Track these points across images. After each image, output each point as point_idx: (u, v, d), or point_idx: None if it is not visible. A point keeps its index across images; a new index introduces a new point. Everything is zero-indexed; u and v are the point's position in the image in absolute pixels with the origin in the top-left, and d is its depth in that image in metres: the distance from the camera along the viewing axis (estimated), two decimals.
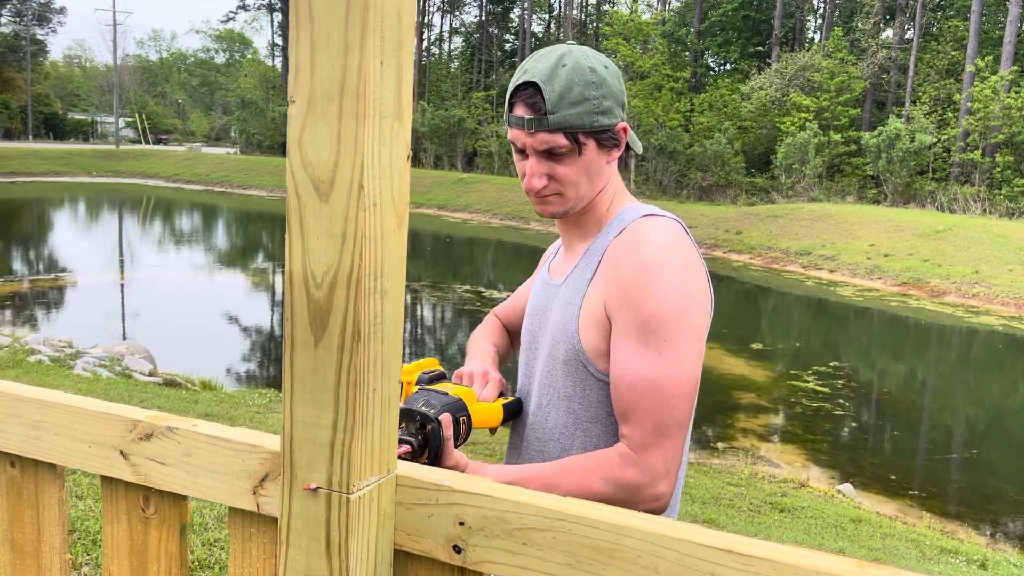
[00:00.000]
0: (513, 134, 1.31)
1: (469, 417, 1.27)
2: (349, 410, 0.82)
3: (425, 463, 1.16)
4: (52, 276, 16.41)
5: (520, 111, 1.29)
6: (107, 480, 1.07)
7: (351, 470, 0.82)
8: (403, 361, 1.40)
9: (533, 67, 1.29)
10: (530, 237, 26.03)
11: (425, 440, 1.17)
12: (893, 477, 7.79)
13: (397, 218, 0.84)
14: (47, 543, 1.15)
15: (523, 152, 1.32)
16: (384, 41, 0.78)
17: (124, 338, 11.02)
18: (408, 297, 16.19)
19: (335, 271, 0.80)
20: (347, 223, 0.79)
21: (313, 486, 0.84)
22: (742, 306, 18.07)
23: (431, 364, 1.39)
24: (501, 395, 1.40)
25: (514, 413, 1.40)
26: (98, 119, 67.18)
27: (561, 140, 1.27)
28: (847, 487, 7.07)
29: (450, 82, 48.90)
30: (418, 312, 15.27)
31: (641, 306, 1.22)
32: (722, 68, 43.50)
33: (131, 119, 63.75)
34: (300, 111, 0.80)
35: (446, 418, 1.19)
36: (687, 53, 39.78)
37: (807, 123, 29.15)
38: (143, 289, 15.89)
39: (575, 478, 1.22)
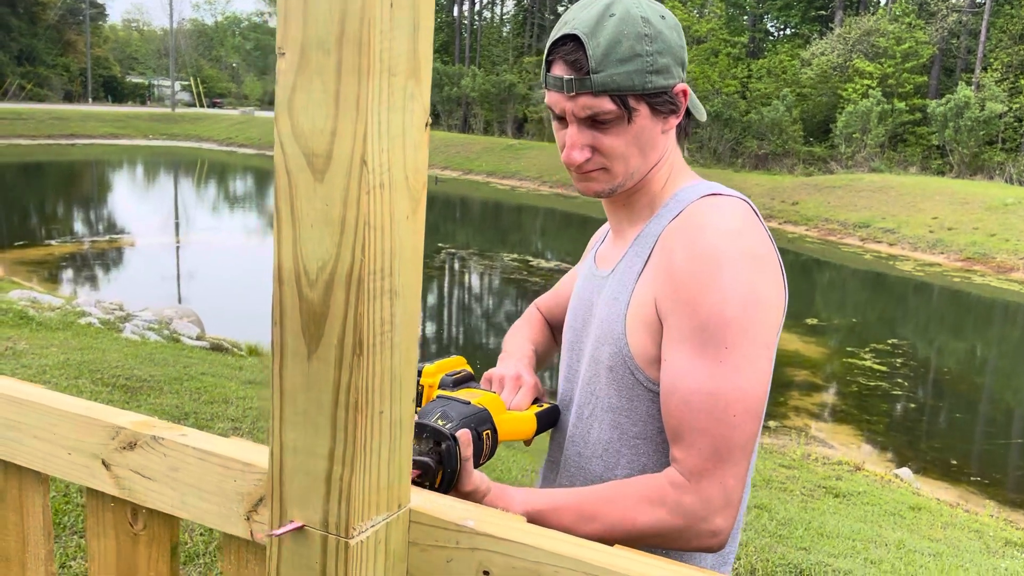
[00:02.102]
0: (551, 98, 1.10)
1: (495, 430, 1.08)
2: (349, 437, 0.67)
3: (438, 488, 0.99)
4: (108, 238, 16.70)
5: (559, 70, 1.08)
6: (91, 491, 0.95)
7: (351, 510, 0.67)
8: (426, 361, 1.24)
9: (575, 17, 1.08)
10: (580, 205, 25.63)
11: (439, 460, 0.99)
12: (954, 462, 7.48)
13: (412, 201, 0.68)
14: (32, 553, 1.04)
15: (563, 119, 1.11)
16: None
17: (180, 301, 11.13)
18: (456, 264, 16.11)
19: (332, 267, 0.65)
20: (347, 208, 0.63)
21: (298, 524, 0.69)
22: (797, 280, 17.59)
23: (457, 364, 1.21)
24: (536, 401, 1.22)
25: (550, 423, 1.22)
26: (155, 83, 68.28)
27: (607, 104, 1.06)
28: (905, 471, 6.80)
29: (501, 46, 48.35)
30: (466, 280, 15.17)
31: (698, 306, 1.01)
32: (782, 33, 42.13)
33: (186, 83, 64.61)
34: (291, 66, 0.64)
35: (464, 435, 1.00)
36: (745, 17, 38.62)
37: (870, 90, 28.12)
38: (197, 251, 16.09)
39: (616, 509, 1.03)
